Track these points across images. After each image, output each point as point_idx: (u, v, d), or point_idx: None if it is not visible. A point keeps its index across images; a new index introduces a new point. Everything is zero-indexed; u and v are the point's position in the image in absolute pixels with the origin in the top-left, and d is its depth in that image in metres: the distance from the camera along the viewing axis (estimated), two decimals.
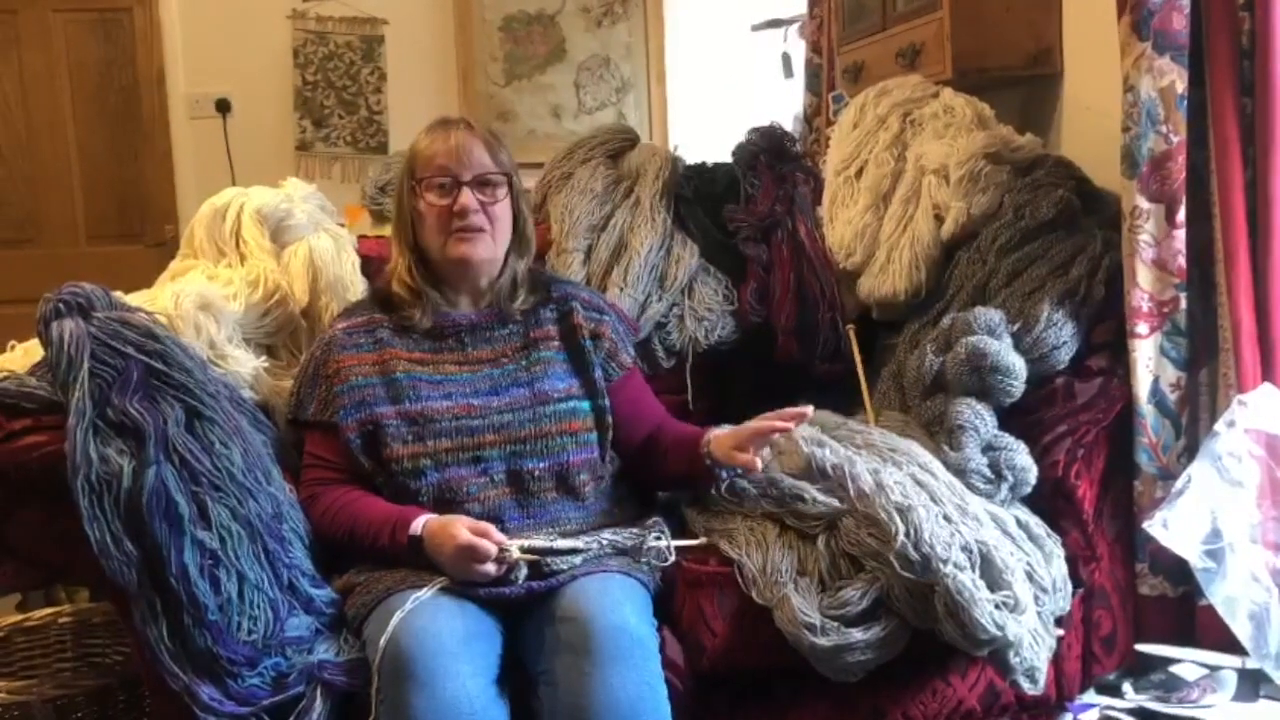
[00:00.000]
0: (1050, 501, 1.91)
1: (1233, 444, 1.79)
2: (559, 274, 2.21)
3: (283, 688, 1.57)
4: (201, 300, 1.94)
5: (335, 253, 2.16)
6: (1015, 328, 1.98)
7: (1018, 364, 1.92)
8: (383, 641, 1.55)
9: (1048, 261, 2.06)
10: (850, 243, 2.31)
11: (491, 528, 1.69)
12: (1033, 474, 1.86)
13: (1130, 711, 1.65)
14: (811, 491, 1.79)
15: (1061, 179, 2.18)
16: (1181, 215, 1.91)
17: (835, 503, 1.77)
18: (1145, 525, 1.81)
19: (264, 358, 2.02)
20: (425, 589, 1.64)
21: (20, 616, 2.23)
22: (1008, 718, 1.89)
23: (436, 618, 1.59)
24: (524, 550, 1.68)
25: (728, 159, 2.55)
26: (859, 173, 2.40)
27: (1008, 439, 1.89)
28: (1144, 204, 1.92)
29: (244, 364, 1.94)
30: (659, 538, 1.78)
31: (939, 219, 2.23)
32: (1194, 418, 1.97)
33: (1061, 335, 1.97)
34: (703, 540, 1.83)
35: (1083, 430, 1.93)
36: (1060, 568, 1.80)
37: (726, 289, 2.35)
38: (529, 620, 1.67)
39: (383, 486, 1.82)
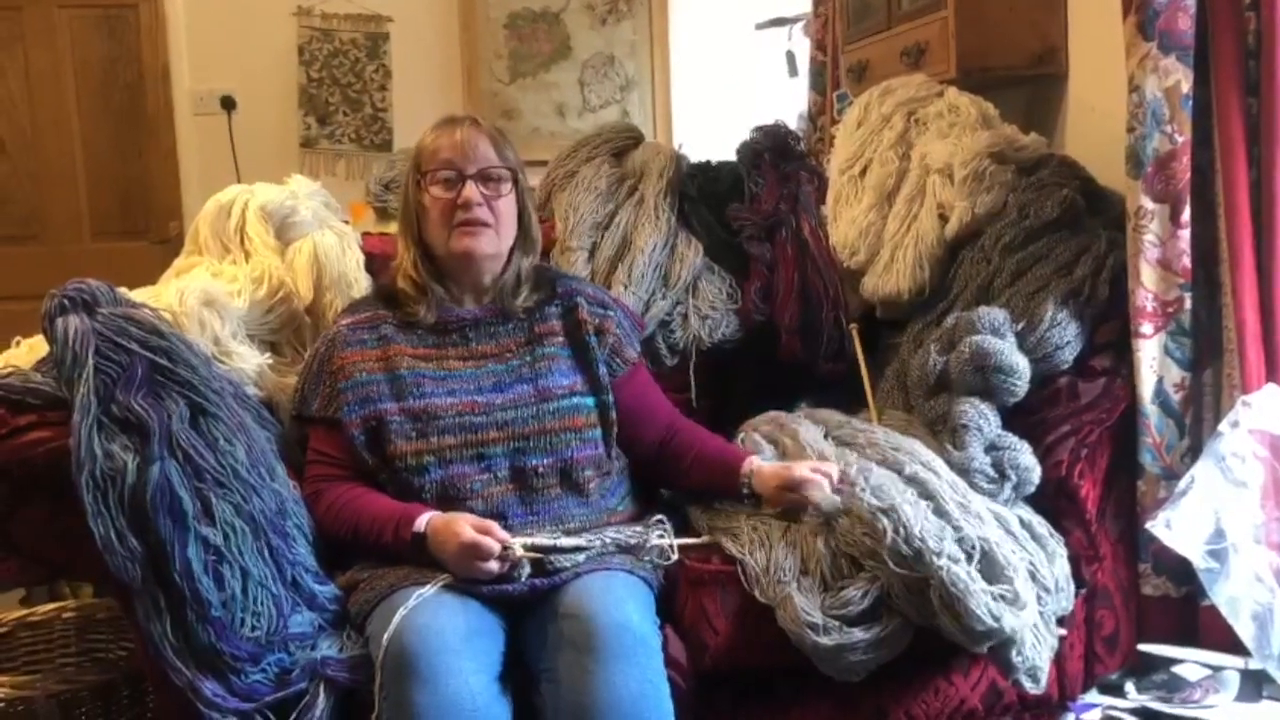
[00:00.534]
0: (1053, 501, 1.91)
1: (1237, 444, 1.79)
2: (565, 271, 2.21)
3: (286, 684, 1.58)
4: (206, 296, 1.94)
5: (340, 250, 2.17)
6: (1019, 327, 1.97)
7: (1021, 363, 1.92)
8: (386, 638, 1.55)
9: (1052, 261, 2.06)
10: (854, 242, 2.31)
11: (495, 525, 1.69)
12: (1036, 473, 1.86)
13: (1133, 711, 1.64)
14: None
15: (1066, 179, 2.18)
16: (1186, 215, 1.91)
17: (836, 499, 1.77)
18: (1148, 525, 1.81)
19: (268, 354, 2.02)
20: (428, 586, 1.64)
21: (24, 612, 2.23)
22: (1010, 717, 1.89)
23: (439, 615, 1.60)
24: (527, 548, 1.68)
25: (732, 157, 2.56)
26: (863, 172, 2.40)
27: (1011, 438, 1.89)
28: (1149, 204, 1.91)
29: (248, 360, 1.95)
30: (662, 536, 1.79)
31: (943, 218, 2.23)
32: (1198, 418, 1.97)
33: (1065, 335, 1.97)
34: (706, 539, 1.84)
35: (1086, 430, 1.93)
36: (1063, 567, 1.80)
37: (730, 287, 2.35)
38: (532, 617, 1.67)
39: (386, 483, 1.82)
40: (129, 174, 4.18)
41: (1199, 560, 1.73)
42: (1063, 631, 1.78)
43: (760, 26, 4.21)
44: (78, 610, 2.23)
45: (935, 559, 1.63)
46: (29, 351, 1.84)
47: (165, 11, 4.12)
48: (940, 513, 1.73)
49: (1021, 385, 1.93)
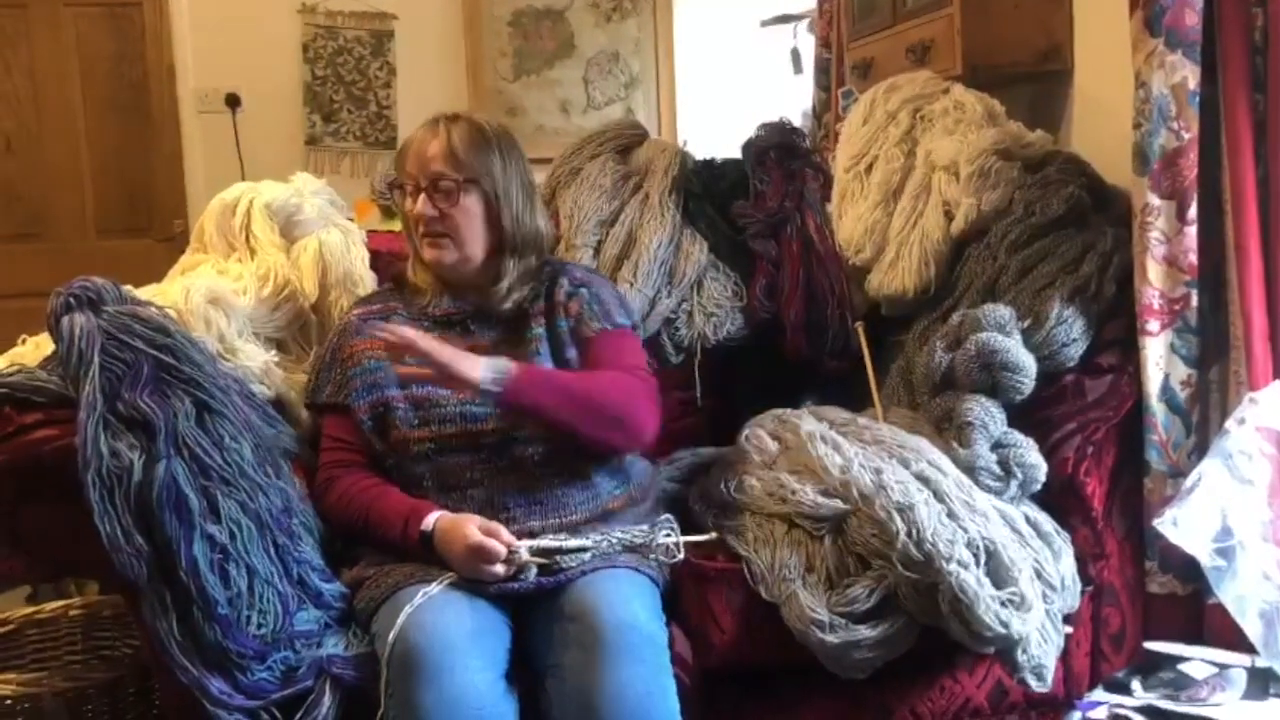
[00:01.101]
0: (1059, 499, 1.91)
1: (1244, 442, 1.78)
2: (566, 260, 2.19)
3: (292, 681, 1.58)
4: (211, 295, 1.95)
5: (345, 248, 2.17)
6: (1025, 325, 1.97)
7: (1027, 361, 1.92)
8: (392, 636, 1.56)
9: (1058, 258, 2.06)
10: (860, 239, 2.31)
11: (501, 528, 1.69)
12: (1042, 471, 1.86)
13: (1139, 709, 1.64)
14: (812, 495, 1.79)
15: (1072, 176, 2.17)
16: (1193, 212, 1.91)
17: (839, 504, 1.77)
18: (1155, 523, 1.81)
19: (274, 352, 2.02)
20: (434, 584, 1.64)
21: (31, 609, 2.23)
22: (1016, 715, 1.89)
23: (445, 613, 1.60)
24: (533, 552, 1.68)
25: (737, 155, 2.55)
26: (868, 169, 2.40)
27: (1017, 436, 1.88)
28: (1155, 201, 1.91)
29: (254, 358, 1.95)
30: (668, 534, 1.78)
31: (949, 215, 2.22)
32: (1204, 415, 1.96)
33: (1071, 332, 1.96)
34: (712, 535, 1.83)
35: (1092, 428, 1.92)
36: (1069, 565, 1.80)
37: (735, 285, 2.34)
38: (538, 615, 1.67)
39: (392, 469, 1.83)
40: (134, 172, 4.18)
41: (1206, 558, 1.73)
42: (1069, 630, 1.78)
43: (765, 23, 4.21)
44: (84, 608, 2.24)
45: (945, 564, 1.63)
46: (35, 349, 1.85)
47: (170, 9, 4.13)
48: (948, 513, 1.72)
49: (1027, 383, 1.92)
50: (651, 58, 4.46)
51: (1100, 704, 1.67)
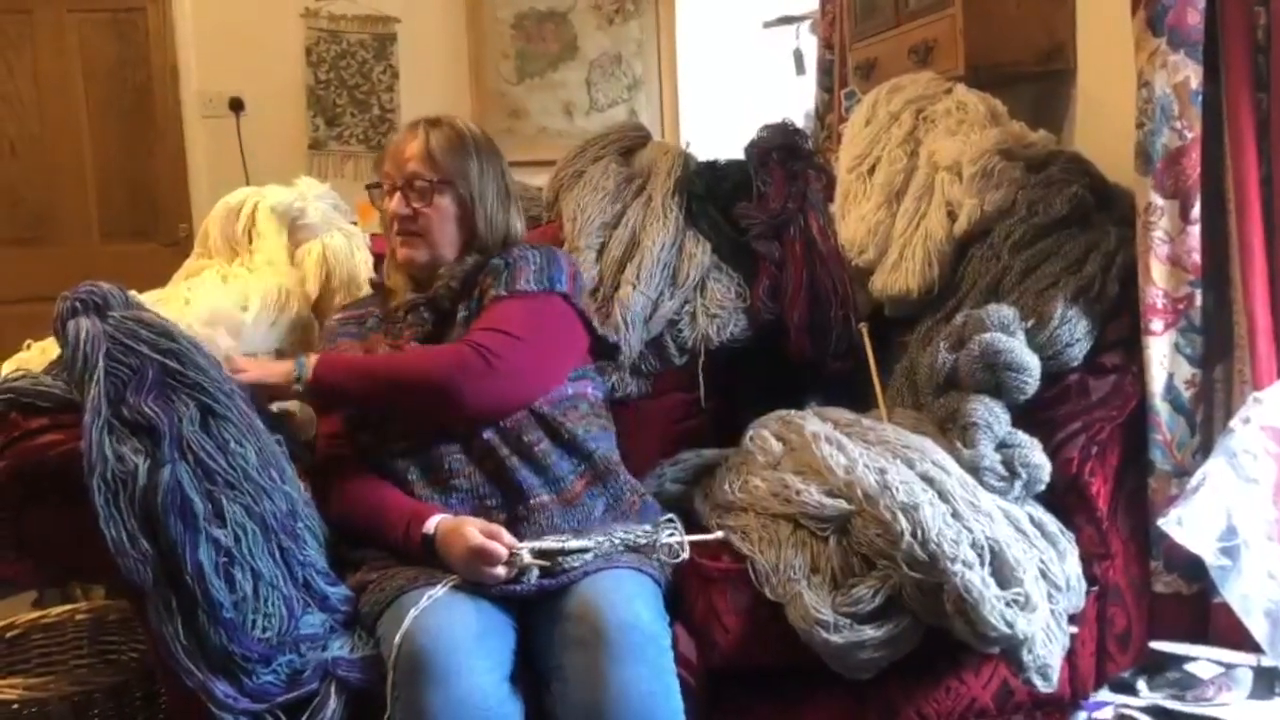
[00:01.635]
0: (1064, 499, 1.91)
1: (1248, 441, 1.78)
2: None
3: (297, 685, 1.58)
4: (210, 316, 1.96)
5: (348, 251, 2.18)
6: (1029, 325, 1.97)
7: (1031, 361, 1.92)
8: (397, 639, 1.56)
9: (1061, 258, 2.06)
10: (863, 240, 2.31)
11: (502, 530, 1.70)
12: (1046, 471, 1.85)
13: (1145, 709, 1.64)
14: (816, 496, 1.79)
15: (1075, 175, 2.17)
16: (1196, 211, 1.90)
17: (843, 504, 1.77)
18: (1160, 522, 1.80)
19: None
20: (439, 586, 1.64)
21: (37, 614, 2.24)
22: (1021, 715, 1.89)
23: (450, 615, 1.60)
24: (535, 554, 1.68)
25: (740, 156, 2.55)
26: (871, 169, 2.40)
27: (1021, 436, 1.88)
28: (1158, 200, 1.91)
29: None
30: (672, 534, 1.78)
31: (952, 216, 2.22)
32: (1209, 415, 1.96)
33: (1075, 332, 1.96)
34: (717, 535, 1.83)
35: (1097, 427, 1.92)
36: (1074, 565, 1.80)
37: (739, 286, 2.34)
38: (541, 616, 1.67)
39: (380, 465, 1.85)
40: (138, 176, 4.19)
41: (1211, 557, 1.73)
42: (1074, 630, 1.78)
43: (768, 25, 4.21)
44: (90, 612, 2.24)
45: (950, 565, 1.63)
46: (40, 354, 1.85)
47: (173, 14, 4.14)
48: (952, 513, 1.72)
49: (1031, 383, 1.92)
50: (654, 59, 4.47)
51: (1106, 704, 1.67)
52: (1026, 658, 1.66)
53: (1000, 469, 1.85)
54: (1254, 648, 1.72)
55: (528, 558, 1.67)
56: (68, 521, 1.59)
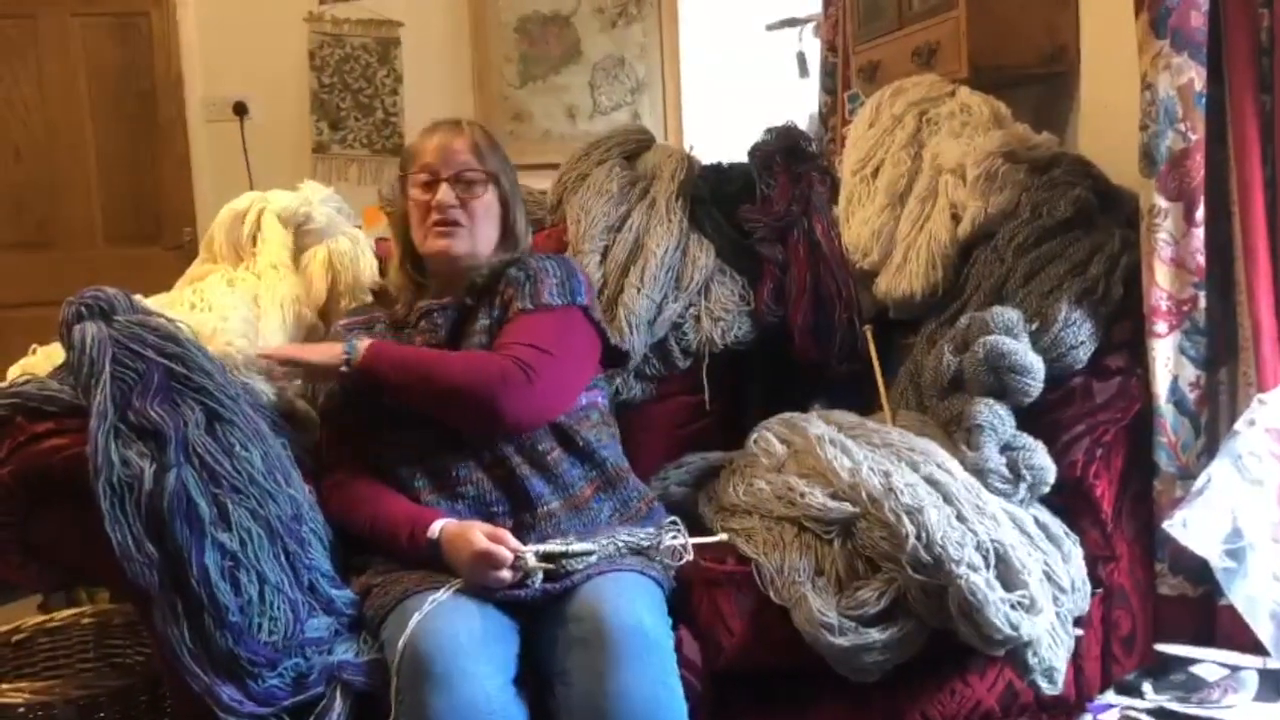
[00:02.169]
0: (1069, 501, 1.91)
1: (1253, 443, 1.78)
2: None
3: (303, 688, 1.58)
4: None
5: (354, 256, 2.18)
6: (1033, 327, 1.97)
7: (1036, 363, 1.92)
8: (401, 643, 1.56)
9: (1065, 260, 2.06)
10: (867, 242, 2.31)
11: (507, 534, 1.70)
12: (1051, 474, 1.85)
13: (1150, 712, 1.64)
14: (821, 498, 1.79)
15: (1079, 177, 2.17)
16: (1200, 213, 1.90)
17: (848, 507, 1.77)
18: (1165, 525, 1.81)
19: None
20: (442, 590, 1.65)
21: (43, 617, 2.24)
22: (1026, 718, 1.89)
23: (454, 619, 1.60)
24: (540, 557, 1.68)
25: (743, 159, 2.55)
26: (875, 172, 2.40)
27: (1026, 439, 1.88)
28: (1162, 202, 1.91)
29: (267, 387, 1.95)
30: (675, 536, 1.79)
31: (956, 218, 2.22)
32: (1213, 417, 1.96)
33: (1079, 334, 1.96)
34: (721, 537, 1.83)
35: (1101, 430, 1.92)
36: (1079, 568, 1.80)
37: (743, 289, 2.34)
38: (545, 620, 1.67)
39: (385, 472, 1.85)
40: (142, 181, 4.20)
41: (1216, 559, 1.73)
42: (1079, 632, 1.78)
43: (771, 28, 4.21)
44: (95, 615, 2.25)
45: (955, 567, 1.63)
46: (46, 359, 1.85)
47: (177, 18, 4.14)
48: (957, 516, 1.72)
49: (1036, 385, 1.92)
50: (657, 63, 4.47)
51: (1111, 706, 1.67)
52: (1032, 660, 1.66)
53: (1005, 472, 1.85)
54: (1260, 650, 1.72)
55: (533, 561, 1.67)
56: (74, 525, 1.59)
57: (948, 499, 1.75)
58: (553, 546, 1.70)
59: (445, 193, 1.92)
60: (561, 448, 1.87)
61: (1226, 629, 1.85)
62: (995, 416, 1.89)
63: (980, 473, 1.84)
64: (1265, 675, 1.70)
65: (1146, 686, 1.71)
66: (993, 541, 1.69)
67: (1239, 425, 1.81)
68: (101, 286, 1.69)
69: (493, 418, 1.79)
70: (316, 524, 1.76)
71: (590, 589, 1.66)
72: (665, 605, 1.71)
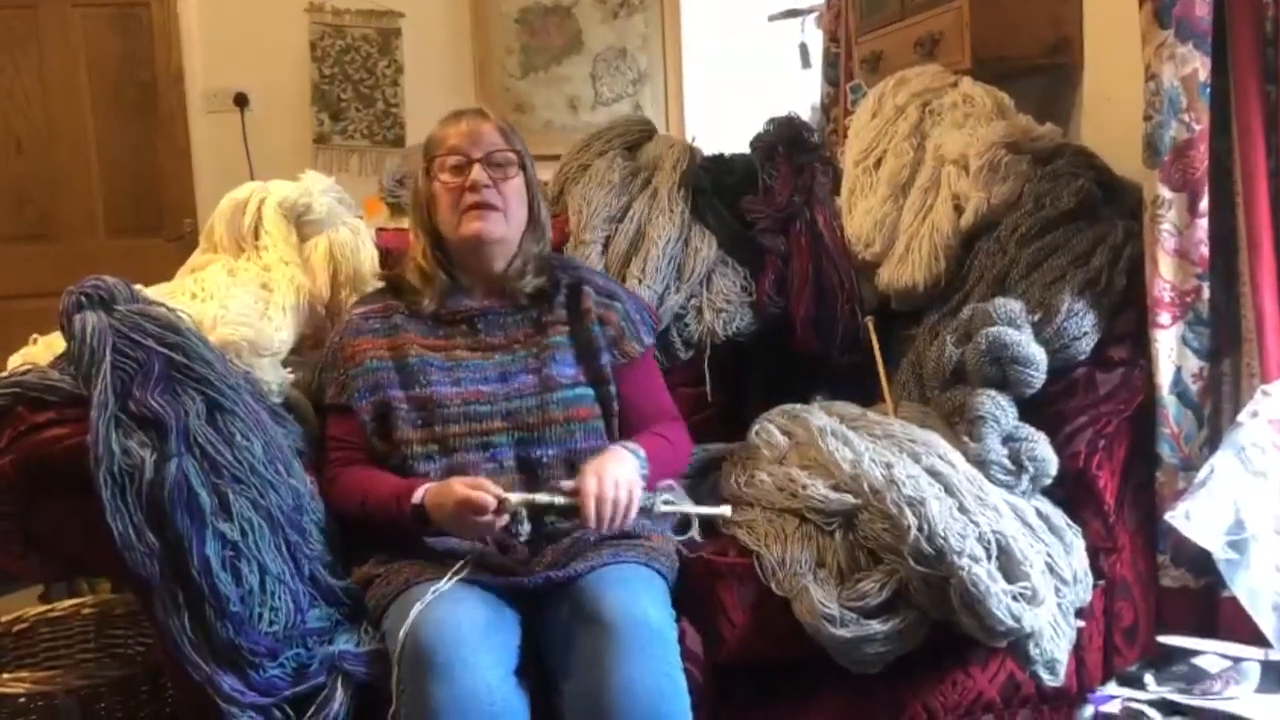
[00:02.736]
0: (1071, 493, 1.90)
1: (1256, 434, 1.78)
2: (578, 261, 2.22)
3: (304, 678, 1.58)
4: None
5: (355, 246, 2.17)
6: (1036, 318, 1.97)
7: (1038, 355, 1.91)
8: (403, 633, 1.56)
9: (1068, 251, 2.05)
10: (869, 233, 2.30)
11: (487, 481, 1.69)
12: (1053, 465, 1.85)
13: (1152, 703, 1.63)
14: (822, 490, 1.79)
15: (1082, 168, 2.17)
16: (1204, 204, 1.90)
17: (849, 498, 1.77)
18: (1167, 516, 1.80)
19: (289, 370, 2.01)
20: (444, 580, 1.64)
21: (44, 608, 2.24)
22: (1028, 709, 1.89)
23: (456, 609, 1.60)
24: (526, 505, 1.67)
25: (745, 150, 2.55)
26: (877, 163, 2.40)
27: (1028, 430, 1.88)
28: (1166, 193, 1.90)
29: (271, 376, 1.95)
30: (669, 502, 1.78)
31: (958, 209, 2.22)
32: (1216, 408, 1.96)
33: (1082, 326, 1.96)
34: (724, 510, 1.82)
35: (1104, 421, 1.92)
36: (1081, 559, 1.80)
37: (745, 280, 2.34)
38: (548, 611, 1.67)
39: (395, 470, 1.83)
40: (143, 172, 4.19)
41: (1219, 551, 1.72)
42: (1081, 624, 1.78)
43: (773, 18, 4.20)
44: (96, 606, 2.25)
45: (956, 559, 1.63)
46: (46, 349, 1.85)
47: (178, 9, 4.13)
48: (959, 507, 1.72)
49: (1038, 376, 1.92)
50: (659, 53, 4.45)
51: (1113, 698, 1.67)
52: (1033, 652, 1.66)
53: (1007, 463, 1.85)
54: (1262, 642, 1.71)
55: (515, 501, 1.67)
56: (75, 515, 1.59)
57: (949, 490, 1.75)
58: (540, 497, 1.70)
59: (479, 173, 1.89)
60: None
61: (1228, 620, 1.85)
62: (997, 408, 1.89)
63: (982, 464, 1.84)
64: (1267, 667, 1.69)
65: (1148, 678, 1.71)
66: (994, 533, 1.69)
67: (1242, 416, 1.81)
68: (101, 276, 1.69)
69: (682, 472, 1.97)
70: (317, 514, 1.76)
71: (594, 580, 1.65)
72: (669, 597, 1.71)
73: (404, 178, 3.10)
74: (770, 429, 2.00)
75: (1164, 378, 1.93)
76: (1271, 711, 1.60)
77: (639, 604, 1.61)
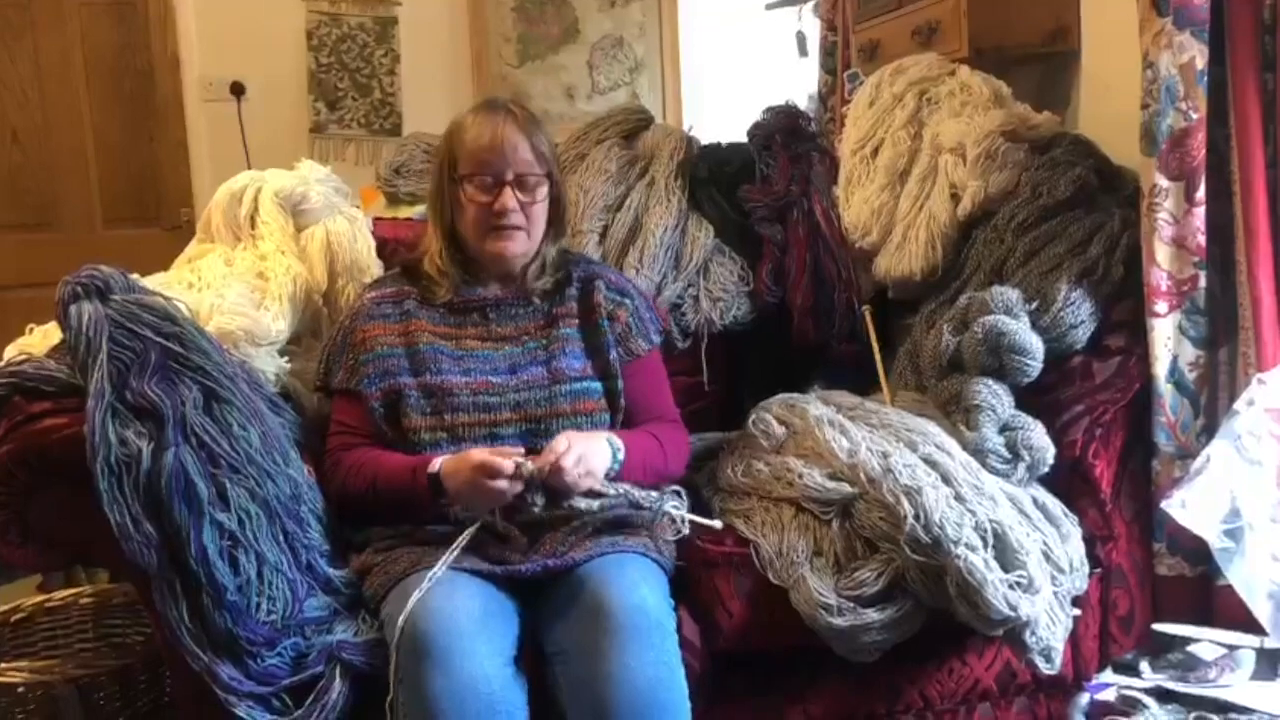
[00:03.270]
0: (1068, 481, 1.91)
1: (1252, 423, 1.78)
2: (592, 256, 2.22)
3: (302, 667, 1.58)
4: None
5: (351, 236, 2.17)
6: (1033, 307, 1.97)
7: (1035, 343, 1.92)
8: (401, 622, 1.56)
9: (1065, 240, 2.05)
10: (866, 222, 2.30)
11: (507, 449, 1.72)
12: (1050, 454, 1.85)
13: (1148, 691, 1.64)
14: (819, 479, 1.79)
15: (1079, 157, 2.17)
16: (1201, 193, 1.90)
17: (846, 487, 1.77)
18: (1163, 505, 1.81)
19: (285, 359, 2.02)
20: (438, 565, 1.64)
21: (41, 598, 2.24)
22: (1025, 697, 1.90)
23: (454, 598, 1.60)
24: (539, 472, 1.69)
25: (743, 139, 2.54)
26: (875, 152, 2.39)
27: (1025, 418, 1.88)
28: (1163, 182, 1.90)
29: (267, 365, 1.95)
30: (676, 506, 1.81)
31: (955, 198, 2.22)
32: (1213, 397, 1.96)
33: (1079, 314, 1.96)
34: (717, 524, 1.82)
35: (1100, 410, 1.92)
36: (1077, 548, 1.80)
37: (742, 269, 2.34)
38: (546, 600, 1.68)
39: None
40: (140, 161, 4.18)
41: (1214, 540, 1.73)
42: (1077, 612, 1.78)
43: (770, 7, 4.19)
44: (95, 595, 2.25)
45: (953, 548, 1.63)
46: (43, 338, 1.85)
47: None
48: (955, 496, 1.72)
49: (1035, 365, 1.92)
50: (656, 42, 4.44)
51: (1109, 686, 1.67)
52: (1029, 640, 1.67)
53: (1003, 451, 1.85)
54: (1257, 629, 1.72)
55: (531, 467, 1.68)
56: (72, 506, 1.59)
57: (946, 479, 1.75)
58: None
59: (509, 198, 1.88)
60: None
61: (1224, 609, 1.86)
62: (994, 396, 1.89)
63: (979, 453, 1.84)
64: (1262, 654, 1.70)
65: (1144, 666, 1.71)
66: (991, 522, 1.69)
67: (1238, 405, 1.81)
68: (98, 265, 1.69)
69: (679, 476, 1.97)
70: (315, 504, 1.76)
71: (593, 569, 1.66)
72: (667, 587, 1.71)
73: (401, 167, 3.09)
74: (767, 418, 2.00)
75: (1160, 366, 1.93)
76: (1266, 698, 1.60)
77: (637, 593, 1.61)
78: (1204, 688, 1.64)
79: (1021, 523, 1.74)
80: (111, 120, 4.15)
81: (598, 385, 1.89)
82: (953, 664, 1.84)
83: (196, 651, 1.52)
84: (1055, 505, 1.84)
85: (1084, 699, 1.66)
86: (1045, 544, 1.75)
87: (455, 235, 1.95)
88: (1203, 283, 1.92)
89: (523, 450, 1.75)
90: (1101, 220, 2.06)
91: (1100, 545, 1.90)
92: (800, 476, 1.81)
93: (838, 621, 1.65)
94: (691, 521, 1.80)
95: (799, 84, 3.93)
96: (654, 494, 1.79)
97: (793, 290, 2.30)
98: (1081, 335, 1.97)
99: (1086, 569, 1.81)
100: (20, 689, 1.91)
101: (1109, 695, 1.65)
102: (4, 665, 1.97)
